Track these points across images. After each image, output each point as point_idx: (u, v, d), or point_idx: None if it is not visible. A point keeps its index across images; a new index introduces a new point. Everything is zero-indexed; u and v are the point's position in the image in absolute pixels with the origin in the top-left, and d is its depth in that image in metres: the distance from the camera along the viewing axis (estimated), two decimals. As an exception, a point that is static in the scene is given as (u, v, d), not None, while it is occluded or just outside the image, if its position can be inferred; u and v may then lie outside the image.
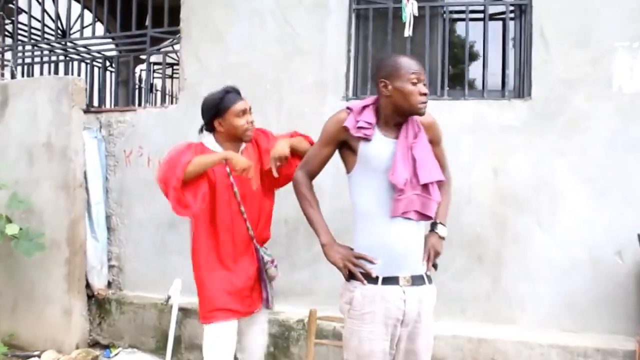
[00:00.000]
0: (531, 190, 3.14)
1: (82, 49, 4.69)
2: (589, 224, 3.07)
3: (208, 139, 2.42)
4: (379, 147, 1.90)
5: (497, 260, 3.19)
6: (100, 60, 4.68)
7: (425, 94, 1.85)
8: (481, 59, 3.43)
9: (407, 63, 1.85)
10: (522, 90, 3.29)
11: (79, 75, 4.49)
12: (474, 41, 3.78)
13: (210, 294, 2.38)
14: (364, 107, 1.93)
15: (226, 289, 2.38)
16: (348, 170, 1.99)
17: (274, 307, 2.54)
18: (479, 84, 3.74)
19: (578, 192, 3.09)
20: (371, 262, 1.86)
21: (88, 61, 4.70)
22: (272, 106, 3.53)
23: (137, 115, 3.96)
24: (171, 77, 7.67)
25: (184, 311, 3.48)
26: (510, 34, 3.59)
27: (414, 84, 1.83)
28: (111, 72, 5.23)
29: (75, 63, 4.57)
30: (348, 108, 1.93)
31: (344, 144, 1.98)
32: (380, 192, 1.89)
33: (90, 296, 3.87)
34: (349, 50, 3.47)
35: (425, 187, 1.87)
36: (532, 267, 3.14)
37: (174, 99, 7.01)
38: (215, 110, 2.34)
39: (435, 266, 2.02)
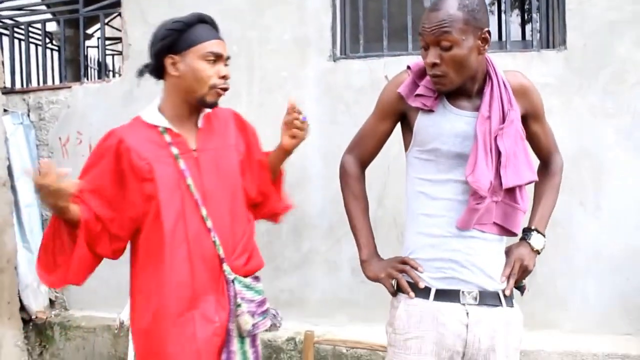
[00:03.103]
0: (570, 163, 2.67)
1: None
2: (643, 202, 2.67)
3: (149, 108, 1.58)
4: (444, 121, 1.45)
5: (531, 251, 2.81)
6: (21, 30, 3.82)
7: (431, 65, 1.38)
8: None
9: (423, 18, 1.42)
10: (552, 38, 2.92)
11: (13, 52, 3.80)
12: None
13: None
14: None
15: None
16: (405, 150, 1.58)
17: None
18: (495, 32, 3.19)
19: (629, 162, 2.74)
20: (416, 268, 1.47)
21: (6, 32, 3.80)
22: (240, 73, 3.07)
23: (72, 93, 3.56)
24: (121, 53, 6.95)
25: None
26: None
27: (424, 48, 1.41)
28: (41, 46, 4.35)
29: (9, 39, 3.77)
30: (409, 67, 1.52)
31: (404, 118, 1.55)
32: (439, 186, 1.47)
33: (27, 321, 3.46)
34: (334, -2, 3.10)
35: (510, 191, 1.47)
36: (574, 258, 2.80)
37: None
38: (171, 41, 1.48)
39: (521, 289, 1.53)
